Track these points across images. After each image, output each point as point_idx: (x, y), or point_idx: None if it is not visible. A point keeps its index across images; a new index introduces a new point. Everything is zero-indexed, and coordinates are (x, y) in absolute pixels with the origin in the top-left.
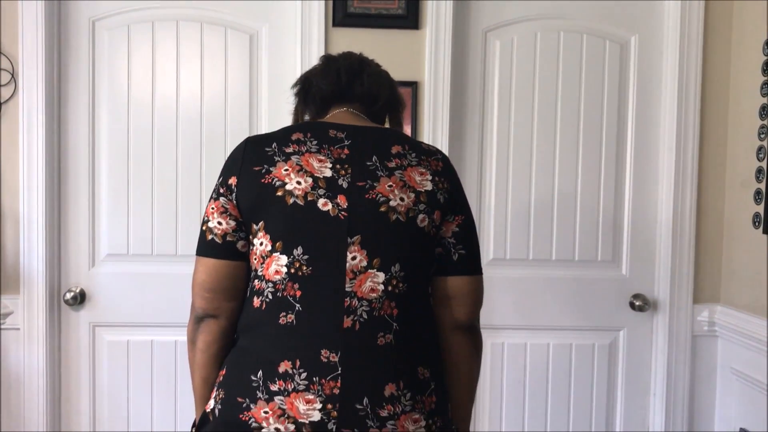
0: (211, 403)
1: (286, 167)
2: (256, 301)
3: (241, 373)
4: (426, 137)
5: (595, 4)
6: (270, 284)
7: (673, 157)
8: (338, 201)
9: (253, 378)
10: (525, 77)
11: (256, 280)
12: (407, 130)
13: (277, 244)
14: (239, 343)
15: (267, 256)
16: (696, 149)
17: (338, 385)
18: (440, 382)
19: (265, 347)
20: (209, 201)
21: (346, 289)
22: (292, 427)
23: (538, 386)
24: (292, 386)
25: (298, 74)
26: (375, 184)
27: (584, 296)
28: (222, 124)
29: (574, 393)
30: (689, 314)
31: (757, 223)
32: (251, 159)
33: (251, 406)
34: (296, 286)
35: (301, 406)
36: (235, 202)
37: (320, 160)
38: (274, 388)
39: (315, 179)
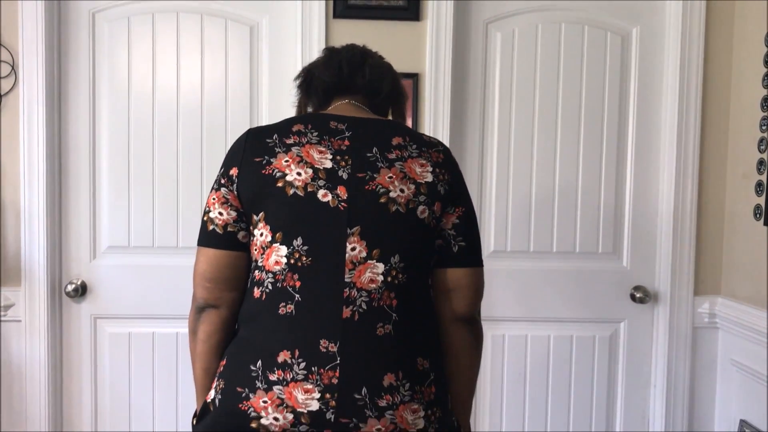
0: (212, 393)
1: (287, 158)
2: (257, 292)
3: (240, 363)
4: (427, 129)
5: None
6: (270, 275)
7: (674, 148)
8: (338, 192)
9: (253, 368)
10: (526, 69)
11: (256, 271)
12: (408, 122)
13: (277, 234)
14: (239, 334)
15: (267, 247)
16: (697, 141)
17: (337, 374)
18: (440, 373)
19: (265, 337)
20: (210, 191)
21: (346, 280)
22: (290, 416)
23: (538, 378)
24: (291, 376)
25: (298, 66)
26: (375, 176)
27: (585, 288)
28: (222, 116)
29: (575, 385)
30: (690, 306)
31: (758, 215)
32: (252, 150)
33: (250, 395)
34: (296, 276)
35: (300, 396)
36: (236, 192)
37: (321, 152)
38: (272, 377)
39: (315, 170)
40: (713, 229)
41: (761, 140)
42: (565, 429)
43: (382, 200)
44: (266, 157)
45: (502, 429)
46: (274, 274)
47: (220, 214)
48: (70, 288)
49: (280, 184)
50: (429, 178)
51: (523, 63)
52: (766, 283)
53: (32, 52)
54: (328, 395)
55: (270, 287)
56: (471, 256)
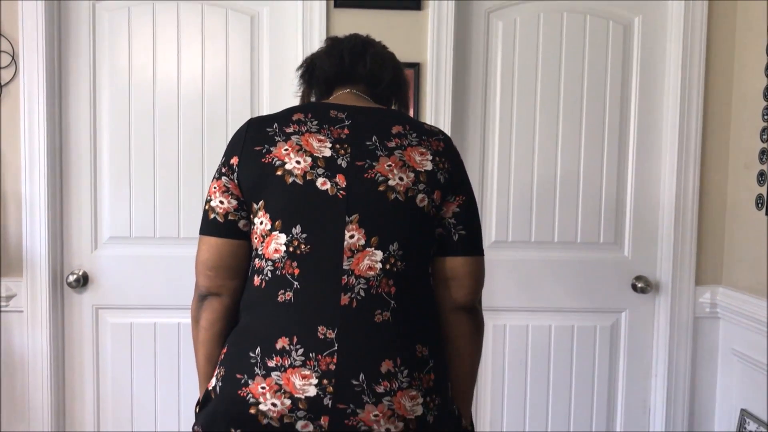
0: (213, 381)
1: (286, 147)
2: (257, 280)
3: (240, 351)
4: (428, 119)
5: None
6: (269, 263)
7: (676, 138)
8: (337, 180)
9: (252, 355)
10: (528, 58)
11: (256, 259)
12: (410, 111)
13: (277, 222)
14: (240, 322)
15: (267, 235)
16: (699, 131)
17: (334, 360)
18: (440, 360)
19: (264, 325)
20: (212, 180)
21: (344, 267)
22: (288, 402)
23: (539, 368)
24: (289, 362)
25: (299, 56)
26: (374, 164)
27: (586, 278)
28: (223, 106)
29: (576, 375)
30: (691, 296)
31: (760, 205)
32: (253, 139)
33: (249, 382)
34: (294, 264)
35: (298, 382)
36: (236, 181)
37: (320, 140)
38: (271, 364)
39: (314, 159)
40: (715, 219)
41: (763, 130)
42: (566, 418)
43: (381, 188)
44: (266, 146)
45: (503, 419)
46: (274, 262)
47: (221, 202)
48: (71, 278)
49: (279, 173)
50: (429, 166)
51: (525, 52)
52: (766, 273)
53: (32, 42)
54: (325, 381)
55: (269, 275)
56: (471, 244)
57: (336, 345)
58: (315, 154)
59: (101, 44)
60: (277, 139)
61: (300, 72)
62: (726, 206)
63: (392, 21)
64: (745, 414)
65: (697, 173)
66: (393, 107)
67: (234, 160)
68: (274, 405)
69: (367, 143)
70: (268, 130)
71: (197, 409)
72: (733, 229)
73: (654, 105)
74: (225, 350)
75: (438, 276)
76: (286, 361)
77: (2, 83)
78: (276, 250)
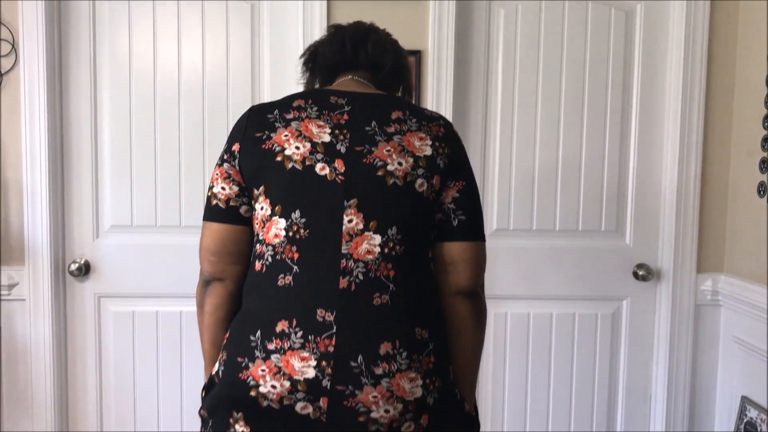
0: (217, 365)
1: (286, 133)
2: (258, 265)
3: (241, 334)
4: (429, 106)
5: None
6: (270, 248)
7: (678, 126)
8: (336, 165)
9: (252, 338)
10: (529, 45)
11: (257, 245)
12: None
13: (276, 208)
14: (242, 306)
15: (267, 220)
16: (701, 118)
17: (333, 343)
18: (440, 344)
19: (265, 308)
20: (215, 167)
21: (342, 251)
22: (287, 384)
23: (541, 356)
24: (288, 344)
25: (300, 44)
26: (373, 149)
27: (587, 266)
28: (224, 95)
29: (577, 362)
30: (692, 284)
31: (762, 192)
32: (254, 125)
33: (249, 365)
34: (294, 248)
35: (297, 364)
36: (237, 167)
37: (319, 126)
38: (271, 346)
39: (313, 144)
40: (716, 206)
41: (766, 117)
42: (567, 406)
43: (380, 173)
44: (266, 132)
45: (505, 406)
46: (274, 246)
47: (223, 188)
48: (73, 267)
49: (279, 159)
50: (428, 151)
51: (527, 39)
52: (766, 260)
53: (32, 30)
54: (324, 363)
55: (270, 260)
56: (471, 230)
57: (334, 327)
58: (314, 140)
59: (101, 33)
60: (278, 125)
61: (303, 59)
62: (728, 193)
63: (394, 8)
64: (745, 401)
65: (699, 160)
66: (398, 94)
67: (235, 147)
68: (273, 387)
69: (367, 128)
70: (269, 116)
71: (203, 394)
72: (734, 216)
73: (656, 92)
74: (227, 335)
75: (439, 261)
76: (285, 344)
77: (2, 72)
78: (276, 235)
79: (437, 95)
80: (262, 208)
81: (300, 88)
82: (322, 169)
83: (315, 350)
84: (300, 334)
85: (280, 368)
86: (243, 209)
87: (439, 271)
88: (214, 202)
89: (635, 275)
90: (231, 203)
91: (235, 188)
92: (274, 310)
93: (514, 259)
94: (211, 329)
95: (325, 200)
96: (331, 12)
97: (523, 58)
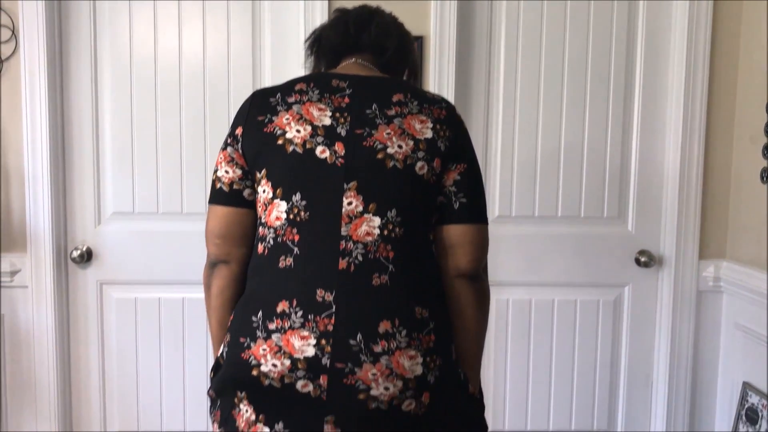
0: (222, 347)
1: (287, 116)
2: (260, 247)
3: (244, 315)
4: (431, 91)
5: None
6: (271, 230)
7: (681, 111)
8: (336, 149)
9: (254, 319)
10: (532, 28)
11: (260, 227)
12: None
13: (278, 191)
14: (247, 289)
15: (269, 203)
16: (704, 103)
17: (332, 322)
18: (441, 323)
19: (266, 290)
20: (219, 151)
21: (342, 233)
22: (287, 362)
23: (542, 343)
24: (289, 324)
25: (301, 30)
26: (373, 132)
27: (589, 253)
28: (225, 81)
29: (579, 349)
30: (695, 270)
31: (765, 179)
32: (256, 109)
33: (251, 344)
34: (294, 231)
35: (297, 343)
36: (240, 151)
37: (320, 109)
38: (272, 326)
39: (314, 127)
40: (719, 192)
41: None
42: (569, 392)
43: (379, 156)
44: (268, 115)
45: (506, 392)
46: (275, 229)
47: (226, 172)
48: (75, 254)
49: (280, 142)
50: (429, 134)
51: (529, 23)
52: (766, 246)
53: (32, 16)
54: (323, 341)
55: (272, 242)
56: (472, 212)
57: (334, 307)
58: (315, 123)
59: (102, 19)
60: (279, 108)
61: (308, 43)
62: (731, 180)
63: None
64: (747, 387)
65: (702, 147)
66: (404, 77)
67: (238, 131)
68: (274, 366)
69: (367, 111)
70: (271, 100)
71: (211, 375)
72: (737, 202)
73: (659, 77)
74: (232, 317)
75: (440, 244)
76: (286, 323)
77: (3, 58)
78: (277, 218)
79: (439, 81)
80: (264, 191)
81: (302, 73)
82: (322, 152)
83: (315, 329)
84: (300, 313)
85: (280, 347)
86: (246, 192)
87: (441, 254)
88: (218, 185)
89: (637, 262)
90: (234, 187)
91: (239, 172)
92: (275, 291)
93: (515, 246)
94: (218, 311)
95: (325, 183)
96: None
97: (525, 43)
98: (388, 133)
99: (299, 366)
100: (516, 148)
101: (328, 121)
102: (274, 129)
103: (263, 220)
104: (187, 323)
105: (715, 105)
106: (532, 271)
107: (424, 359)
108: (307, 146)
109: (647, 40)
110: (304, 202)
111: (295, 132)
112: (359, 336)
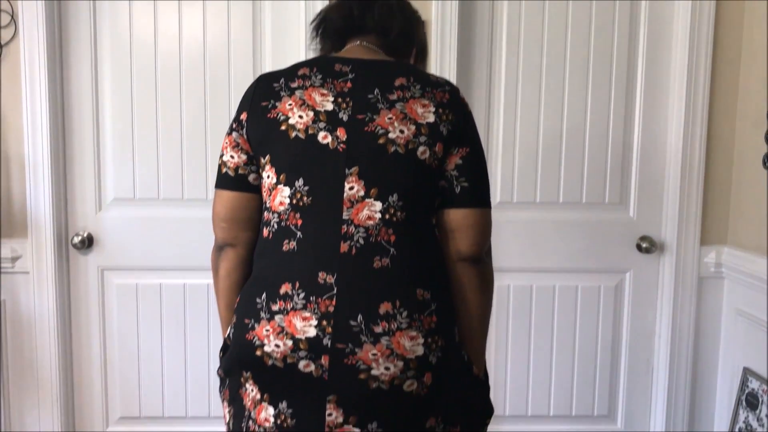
0: (229, 329)
1: (290, 102)
2: (265, 231)
3: (249, 298)
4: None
5: None
6: (275, 215)
7: (684, 97)
8: (338, 134)
9: (258, 300)
10: (534, 13)
11: (265, 212)
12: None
13: (281, 176)
14: (253, 272)
15: (273, 189)
16: (707, 89)
17: (333, 303)
18: (443, 305)
19: (270, 273)
20: (225, 136)
21: (343, 217)
22: (290, 342)
23: (543, 328)
24: (291, 305)
25: (302, 15)
26: (375, 117)
27: (591, 238)
28: (225, 67)
29: (580, 334)
30: (696, 256)
31: (766, 164)
32: (260, 95)
33: (255, 325)
34: (297, 215)
35: (299, 323)
36: (245, 136)
37: (323, 94)
38: (275, 308)
39: (316, 113)
40: (721, 178)
41: None
42: (569, 378)
43: (381, 141)
44: (272, 101)
45: (507, 378)
46: (279, 214)
47: (232, 157)
48: (76, 240)
49: (283, 127)
50: (431, 118)
51: (532, 6)
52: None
53: (32, 0)
54: (324, 322)
55: (276, 227)
56: (473, 196)
57: (335, 289)
58: (317, 108)
59: (102, 4)
60: (283, 94)
61: (313, 25)
62: (732, 166)
63: None
64: (747, 372)
65: (704, 133)
66: (411, 58)
67: (243, 116)
68: (277, 346)
69: (369, 96)
70: (275, 85)
71: (221, 355)
72: (739, 188)
73: (661, 62)
74: (238, 299)
75: (442, 228)
76: (288, 305)
77: (2, 43)
78: (281, 203)
79: (440, 67)
80: (268, 177)
81: (303, 57)
82: (324, 137)
83: (316, 310)
84: (302, 295)
85: (282, 328)
86: (251, 177)
87: (443, 239)
88: (224, 170)
89: (639, 247)
90: (240, 171)
91: (244, 157)
92: (279, 273)
93: (517, 232)
94: (226, 293)
95: (327, 168)
96: None
97: (527, 26)
98: (390, 118)
99: (301, 346)
100: (518, 134)
101: (330, 107)
102: (277, 114)
103: (268, 205)
104: (188, 309)
105: (717, 90)
106: (534, 257)
107: (425, 340)
108: (310, 132)
109: (650, 26)
110: (306, 188)
111: (297, 117)
112: (360, 317)
